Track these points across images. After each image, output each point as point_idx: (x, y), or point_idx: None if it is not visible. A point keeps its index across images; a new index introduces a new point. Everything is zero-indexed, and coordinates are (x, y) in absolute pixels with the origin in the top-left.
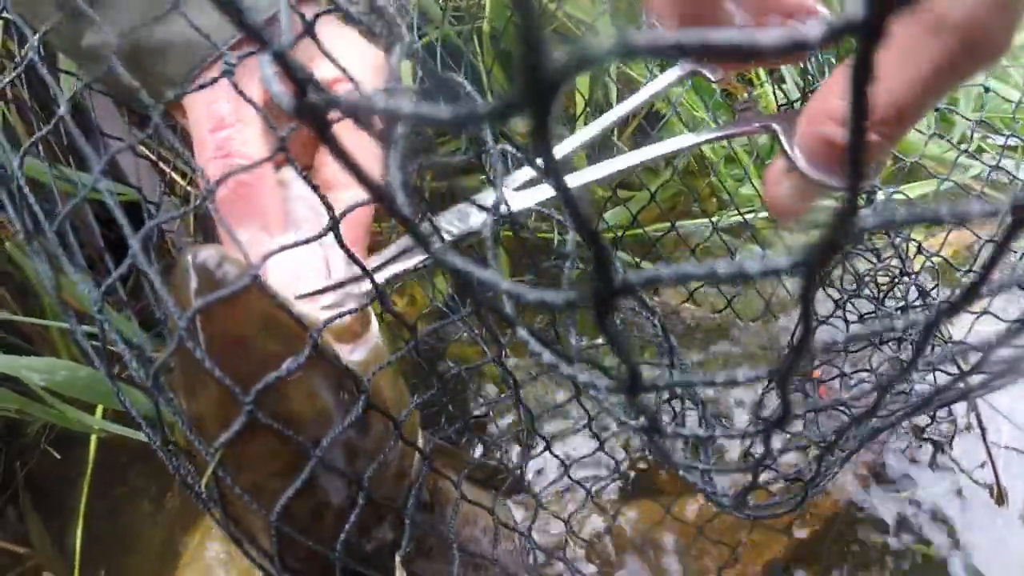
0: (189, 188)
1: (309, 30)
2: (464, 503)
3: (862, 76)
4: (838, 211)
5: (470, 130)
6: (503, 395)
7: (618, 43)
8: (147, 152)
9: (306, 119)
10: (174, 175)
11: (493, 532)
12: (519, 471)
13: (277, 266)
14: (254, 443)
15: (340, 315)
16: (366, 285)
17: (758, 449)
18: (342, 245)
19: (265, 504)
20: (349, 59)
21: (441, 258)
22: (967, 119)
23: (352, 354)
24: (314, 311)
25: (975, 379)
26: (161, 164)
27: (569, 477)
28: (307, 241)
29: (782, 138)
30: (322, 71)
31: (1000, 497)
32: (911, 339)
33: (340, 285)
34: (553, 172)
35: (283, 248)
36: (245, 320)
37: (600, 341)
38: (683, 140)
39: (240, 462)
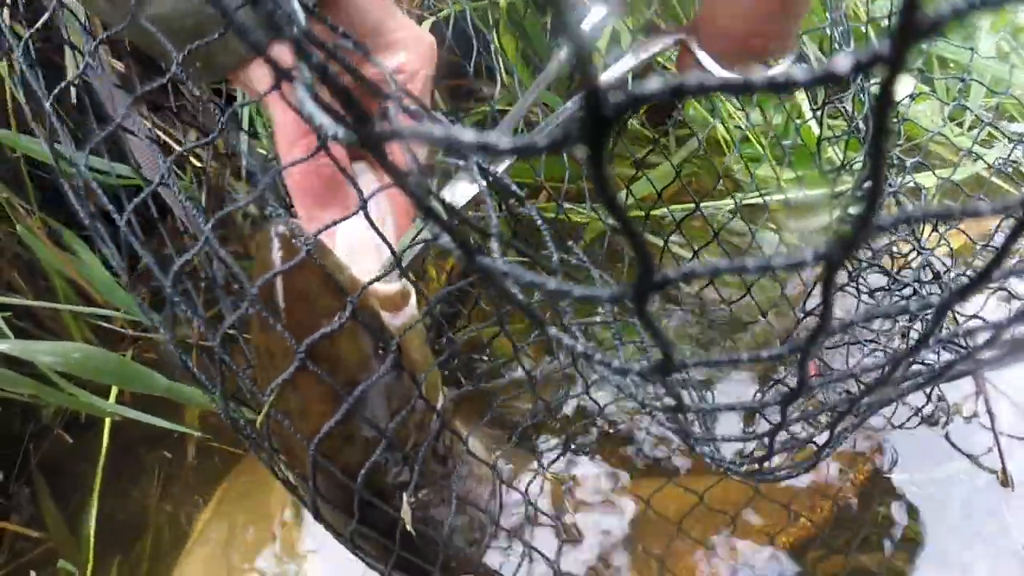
0: (199, 165)
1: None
2: (476, 464)
3: (886, 101)
4: (859, 212)
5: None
6: (503, 359)
7: (669, 83)
8: (160, 131)
9: (367, 147)
10: (174, 144)
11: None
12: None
13: (343, 241)
14: (306, 375)
15: (378, 278)
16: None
17: (760, 426)
18: (373, 226)
19: (308, 426)
20: (405, 42)
21: (485, 266)
22: (996, 92)
23: (394, 320)
24: (363, 276)
25: (985, 355)
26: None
27: (571, 448)
28: (353, 214)
29: (693, 47)
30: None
31: (1006, 482)
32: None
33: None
34: (609, 196)
35: (335, 222)
36: (309, 279)
37: (597, 319)
38: (623, 63)
39: (293, 388)
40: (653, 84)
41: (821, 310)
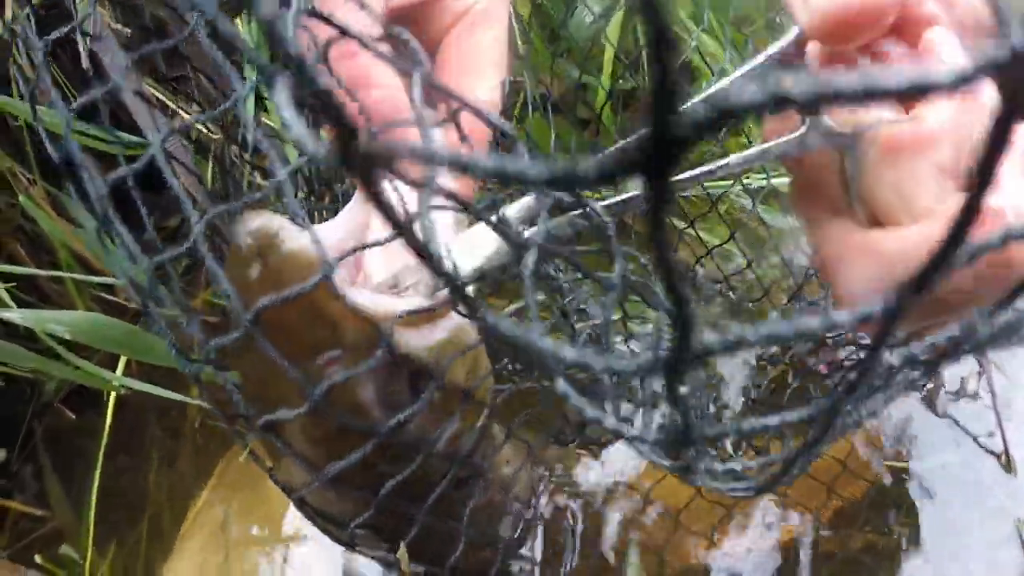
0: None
1: None
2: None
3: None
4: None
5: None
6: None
7: (768, 91)
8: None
9: (354, 172)
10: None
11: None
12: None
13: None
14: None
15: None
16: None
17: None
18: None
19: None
20: None
21: (494, 325)
22: None
23: (430, 334)
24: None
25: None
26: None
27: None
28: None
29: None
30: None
31: (1009, 468)
32: None
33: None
34: (662, 249)
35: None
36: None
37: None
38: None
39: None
40: (751, 90)
41: (866, 357)
